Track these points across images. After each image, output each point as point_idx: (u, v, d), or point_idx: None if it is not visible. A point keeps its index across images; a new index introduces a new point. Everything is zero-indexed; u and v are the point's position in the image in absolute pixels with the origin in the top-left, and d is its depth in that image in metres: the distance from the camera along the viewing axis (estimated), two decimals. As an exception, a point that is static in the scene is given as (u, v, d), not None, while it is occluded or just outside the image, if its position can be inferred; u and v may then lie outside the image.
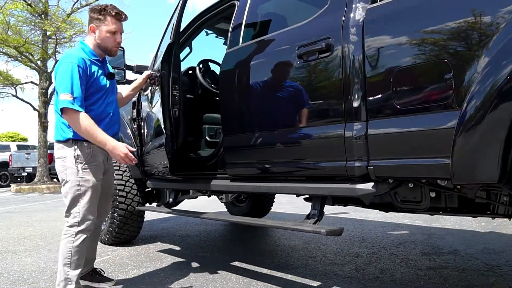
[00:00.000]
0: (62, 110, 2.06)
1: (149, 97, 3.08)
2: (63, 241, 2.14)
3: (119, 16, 2.23)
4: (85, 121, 2.06)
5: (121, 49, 2.86)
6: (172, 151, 2.65)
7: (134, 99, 3.32)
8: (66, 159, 2.15)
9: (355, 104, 1.82)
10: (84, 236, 2.15)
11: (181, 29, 3.13)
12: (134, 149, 2.19)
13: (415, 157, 1.64)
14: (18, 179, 15.46)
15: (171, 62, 2.66)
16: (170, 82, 2.65)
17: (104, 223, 3.79)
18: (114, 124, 2.33)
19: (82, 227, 2.13)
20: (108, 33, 2.21)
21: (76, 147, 2.16)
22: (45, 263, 3.23)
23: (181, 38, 3.16)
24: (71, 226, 2.14)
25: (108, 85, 2.28)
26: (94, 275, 2.50)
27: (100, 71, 2.24)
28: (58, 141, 2.20)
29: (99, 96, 2.22)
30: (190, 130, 3.74)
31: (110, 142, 2.11)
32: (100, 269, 2.60)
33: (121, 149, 2.09)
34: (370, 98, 1.79)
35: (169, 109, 2.62)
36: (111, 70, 2.42)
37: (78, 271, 2.14)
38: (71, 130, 2.14)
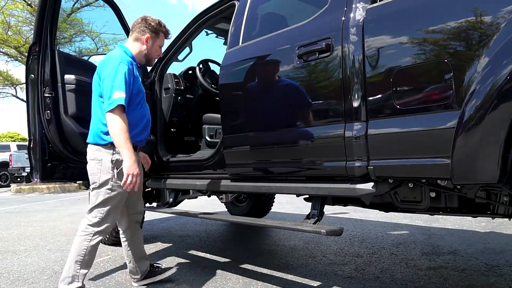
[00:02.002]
0: (113, 107, 2.05)
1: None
2: (79, 238, 2.16)
3: (168, 35, 2.45)
4: (123, 122, 2.07)
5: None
6: (40, 157, 2.65)
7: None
8: (102, 162, 2.16)
9: (355, 104, 1.82)
10: (101, 237, 2.20)
11: (183, 28, 3.14)
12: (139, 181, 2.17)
13: (415, 157, 1.64)
14: (18, 179, 15.46)
15: (39, 64, 2.66)
16: (40, 85, 2.65)
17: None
18: (147, 128, 2.39)
19: (101, 228, 2.17)
20: (159, 46, 2.39)
21: (114, 151, 2.16)
22: (45, 263, 3.23)
23: (181, 38, 3.16)
24: (91, 225, 2.16)
25: (144, 91, 2.40)
26: (153, 269, 2.60)
27: (139, 75, 2.33)
28: (95, 144, 2.20)
29: (140, 99, 2.30)
30: (190, 130, 3.74)
31: (129, 158, 2.06)
32: (156, 262, 2.71)
33: (131, 171, 2.06)
34: (370, 98, 1.79)
35: (39, 112, 2.63)
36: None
37: (86, 270, 2.18)
38: None
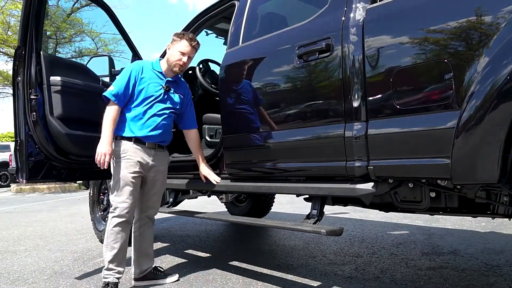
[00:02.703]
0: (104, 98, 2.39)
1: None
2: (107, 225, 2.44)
3: (192, 42, 2.47)
4: (111, 113, 2.36)
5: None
6: (26, 158, 2.66)
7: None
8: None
9: (355, 104, 1.82)
10: (118, 220, 2.36)
11: (183, 28, 3.13)
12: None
13: (415, 157, 1.64)
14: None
15: (25, 67, 2.67)
16: (26, 87, 2.67)
17: (103, 223, 3.80)
18: (146, 128, 2.43)
19: (116, 213, 2.37)
20: (178, 51, 2.44)
21: (114, 143, 2.41)
22: (45, 263, 3.23)
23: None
24: (110, 212, 2.41)
25: (160, 95, 2.46)
26: (156, 272, 2.67)
27: (155, 80, 2.46)
28: None
29: (142, 101, 2.42)
30: None
31: (103, 140, 2.32)
32: (160, 266, 2.76)
33: (101, 150, 2.29)
34: (370, 98, 1.78)
35: (25, 114, 2.67)
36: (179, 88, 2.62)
37: (112, 252, 2.36)
38: (118, 128, 2.41)
